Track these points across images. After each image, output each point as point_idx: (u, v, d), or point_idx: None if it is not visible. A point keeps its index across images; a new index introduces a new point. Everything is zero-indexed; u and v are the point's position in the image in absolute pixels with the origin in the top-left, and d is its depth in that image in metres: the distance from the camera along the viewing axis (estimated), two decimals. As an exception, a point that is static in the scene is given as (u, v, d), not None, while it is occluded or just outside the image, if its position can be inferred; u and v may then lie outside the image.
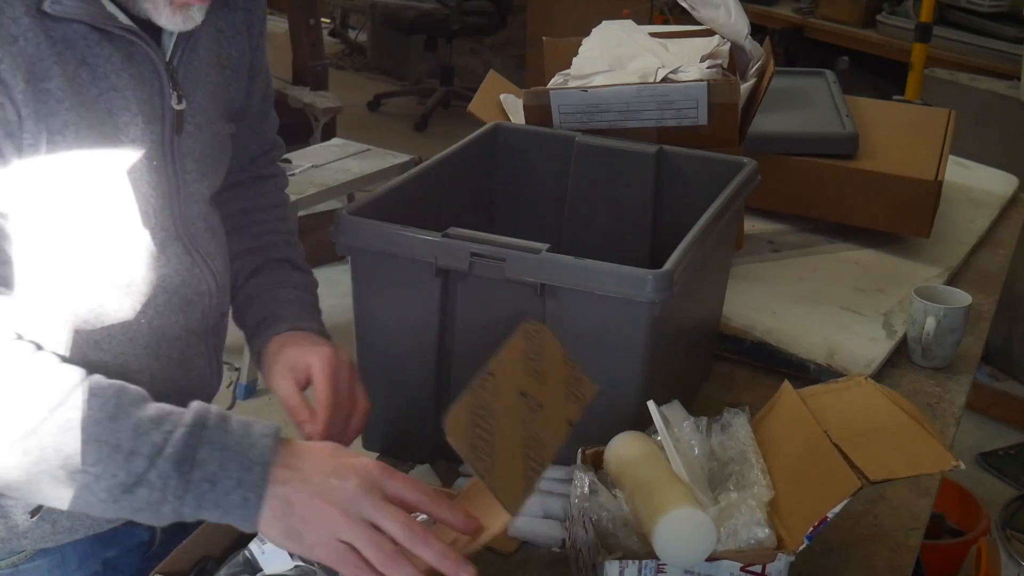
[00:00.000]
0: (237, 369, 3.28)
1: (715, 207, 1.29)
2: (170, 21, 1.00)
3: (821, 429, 1.09)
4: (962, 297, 1.60)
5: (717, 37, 1.73)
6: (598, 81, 1.64)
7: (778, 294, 1.71)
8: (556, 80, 1.72)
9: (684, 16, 2.42)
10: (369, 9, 6.27)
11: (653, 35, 1.81)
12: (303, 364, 1.13)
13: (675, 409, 1.16)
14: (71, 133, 0.95)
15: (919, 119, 2.16)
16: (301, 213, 3.30)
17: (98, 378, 0.93)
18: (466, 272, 1.17)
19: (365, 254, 1.23)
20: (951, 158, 2.00)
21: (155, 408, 0.92)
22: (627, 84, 1.59)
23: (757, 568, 1.03)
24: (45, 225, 0.97)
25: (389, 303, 1.22)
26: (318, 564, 0.98)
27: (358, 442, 1.35)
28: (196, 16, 1.01)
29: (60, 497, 0.90)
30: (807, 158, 1.89)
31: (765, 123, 1.84)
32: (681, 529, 0.99)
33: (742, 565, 1.03)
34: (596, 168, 1.51)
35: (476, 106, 1.80)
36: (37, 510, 1.06)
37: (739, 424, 1.15)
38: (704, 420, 1.15)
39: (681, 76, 1.61)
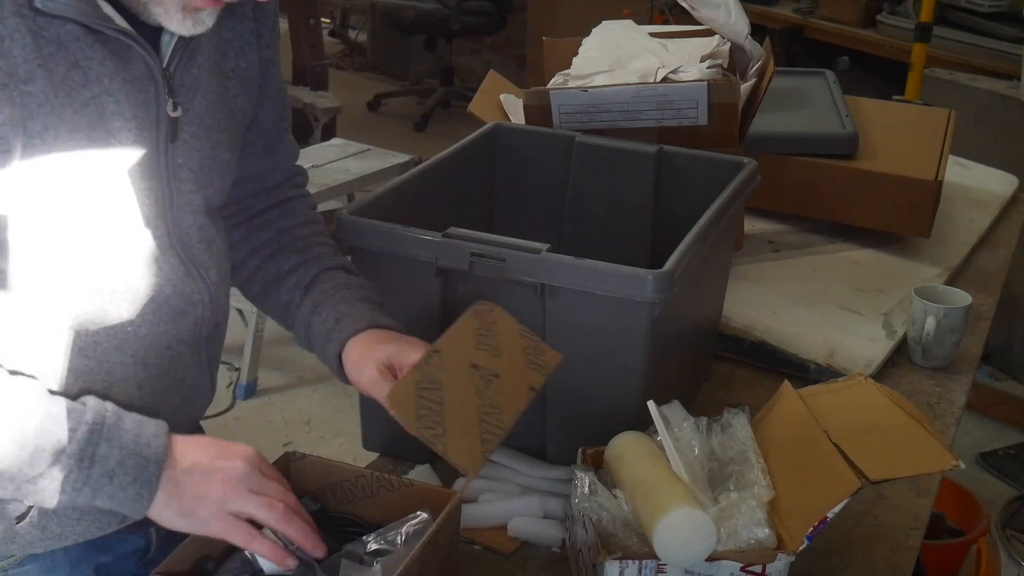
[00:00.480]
0: (237, 369, 3.27)
1: (715, 207, 1.29)
2: (181, 25, 0.99)
3: (821, 429, 1.09)
4: (962, 297, 1.60)
5: (717, 37, 1.73)
6: (598, 81, 1.64)
7: (778, 294, 1.71)
8: (556, 80, 1.72)
9: (684, 16, 2.42)
10: (369, 9, 6.27)
11: (653, 35, 1.81)
12: (401, 361, 1.10)
13: (675, 409, 1.16)
14: (52, 137, 0.93)
15: (919, 119, 2.16)
16: (301, 213, 3.30)
17: (3, 373, 0.99)
18: (466, 272, 1.17)
19: (365, 254, 1.23)
20: (951, 158, 2.00)
21: (57, 406, 0.98)
22: (627, 84, 1.59)
23: (757, 568, 1.03)
24: (27, 228, 0.96)
25: (389, 303, 1.22)
26: (319, 565, 0.99)
27: (357, 442, 1.35)
28: (207, 20, 1.00)
29: None
30: (807, 158, 1.89)
31: (765, 123, 1.84)
32: (681, 529, 0.99)
33: (742, 565, 1.03)
34: (596, 168, 1.51)
35: (476, 106, 1.80)
36: (23, 516, 1.05)
37: (739, 424, 1.15)
38: (704, 420, 1.15)
39: (681, 76, 1.61)
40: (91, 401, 1.00)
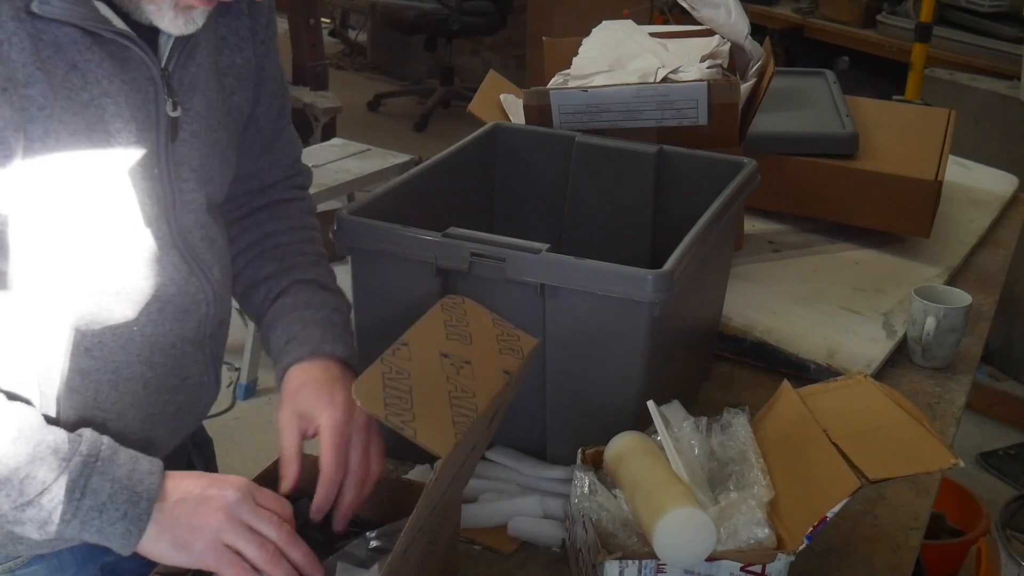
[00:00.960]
0: (237, 369, 3.28)
1: (715, 207, 1.29)
2: (172, 24, 0.98)
3: (821, 429, 1.09)
4: (962, 297, 1.60)
5: (717, 37, 1.73)
6: (598, 81, 1.64)
7: (778, 294, 1.71)
8: (556, 80, 1.72)
9: (684, 16, 2.42)
10: (369, 9, 6.27)
11: (653, 35, 1.81)
12: (314, 419, 1.10)
13: (675, 409, 1.16)
14: (52, 140, 0.93)
15: (919, 119, 2.16)
16: (301, 213, 3.31)
17: (2, 399, 0.98)
18: (466, 272, 1.17)
19: (365, 254, 1.22)
20: (951, 158, 2.00)
21: (52, 435, 0.97)
22: (627, 84, 1.59)
23: (757, 568, 1.03)
24: (30, 231, 0.96)
25: (389, 303, 1.22)
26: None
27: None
28: (198, 19, 1.00)
29: None
30: (807, 158, 1.89)
31: (765, 123, 1.84)
32: (681, 529, 0.99)
33: (742, 565, 1.03)
34: (596, 168, 1.51)
35: (476, 106, 1.80)
36: None
37: (739, 424, 1.15)
38: (704, 420, 1.15)
39: (681, 76, 1.61)
40: (87, 433, 0.99)
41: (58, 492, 0.95)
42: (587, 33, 1.85)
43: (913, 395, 1.49)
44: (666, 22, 4.27)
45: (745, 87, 1.66)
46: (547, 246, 1.15)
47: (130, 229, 1.02)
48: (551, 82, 1.72)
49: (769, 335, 1.57)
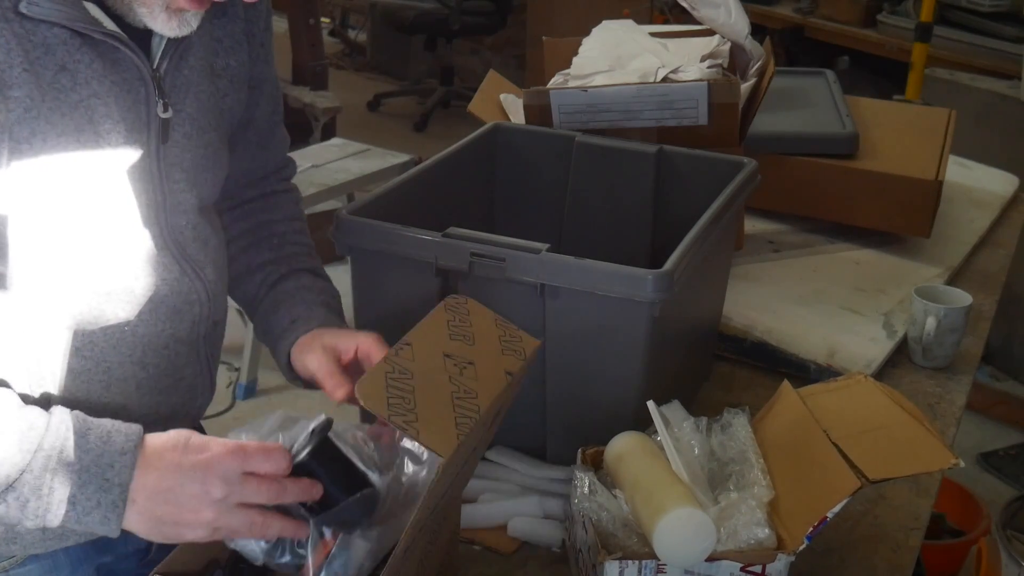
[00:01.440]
0: (237, 369, 3.27)
1: (715, 207, 1.29)
2: (165, 26, 0.98)
3: (821, 429, 1.09)
4: (962, 297, 1.60)
5: (717, 37, 1.73)
6: (598, 81, 1.64)
7: (778, 294, 1.71)
8: (556, 80, 1.72)
9: (684, 16, 2.42)
10: (369, 9, 6.27)
11: (653, 35, 1.81)
12: (345, 345, 1.12)
13: (675, 409, 1.16)
14: (40, 141, 0.93)
15: (919, 119, 2.16)
16: (301, 213, 3.30)
17: None
18: (466, 272, 1.17)
19: (365, 254, 1.22)
20: (951, 158, 2.00)
21: (16, 427, 0.93)
22: (627, 84, 1.59)
23: (757, 568, 1.03)
24: (20, 232, 0.96)
25: (389, 303, 1.22)
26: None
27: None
28: (191, 22, 0.99)
29: None
30: (807, 158, 1.89)
31: (765, 123, 1.83)
32: (681, 529, 0.99)
33: (742, 565, 1.03)
34: (596, 168, 1.51)
35: (476, 106, 1.80)
36: None
37: (739, 424, 1.15)
38: (704, 420, 1.15)
39: (681, 76, 1.61)
40: (55, 419, 0.94)
41: (23, 491, 0.92)
42: (587, 33, 1.85)
43: (913, 395, 1.49)
44: (666, 22, 4.27)
45: (745, 87, 1.66)
46: (547, 246, 1.15)
47: (121, 230, 1.02)
48: (551, 82, 1.72)
49: (769, 335, 1.57)
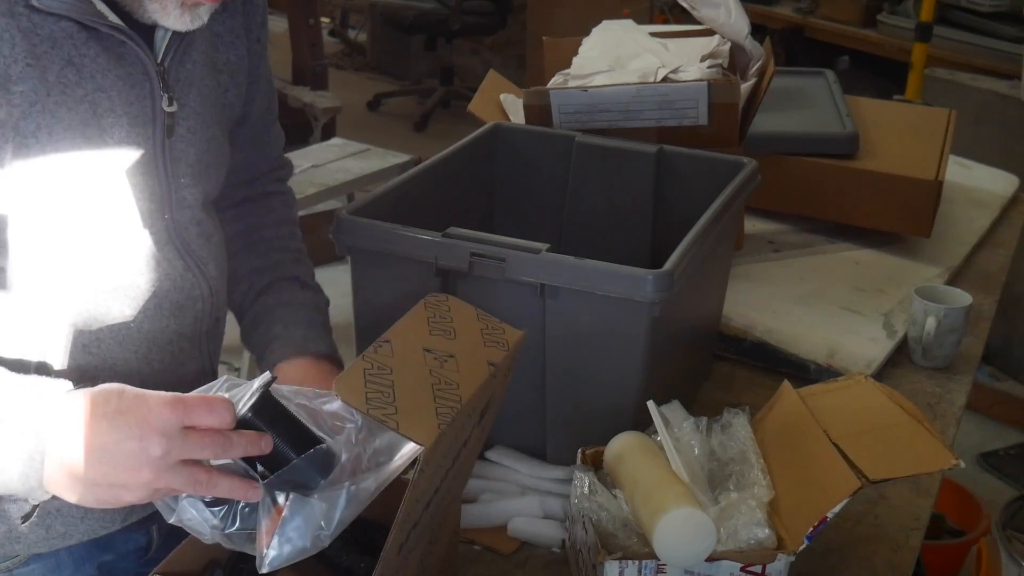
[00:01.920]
0: (237, 369, 3.27)
1: (715, 207, 1.29)
2: (178, 21, 0.99)
3: (821, 429, 1.09)
4: (962, 297, 1.60)
5: (717, 37, 1.72)
6: (598, 81, 1.64)
7: (778, 294, 1.71)
8: (556, 80, 1.72)
9: (684, 16, 2.42)
10: (369, 9, 6.27)
11: (653, 35, 1.81)
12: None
13: (675, 409, 1.16)
14: (44, 136, 0.93)
15: (919, 119, 2.16)
16: (301, 213, 3.28)
17: None
18: (466, 272, 1.17)
19: (365, 254, 1.22)
20: (951, 158, 2.00)
21: None
22: (627, 84, 1.59)
23: (757, 568, 1.03)
24: (25, 227, 0.96)
25: (389, 303, 1.22)
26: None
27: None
28: (203, 15, 1.00)
29: None
30: (807, 158, 1.88)
31: (765, 123, 1.83)
32: (681, 529, 0.99)
33: (742, 565, 1.03)
34: (596, 168, 1.51)
35: (476, 106, 1.80)
36: (28, 516, 1.05)
37: (739, 424, 1.15)
38: (704, 420, 1.15)
39: (681, 76, 1.61)
40: None
41: None
42: (587, 33, 1.85)
43: (913, 395, 1.49)
44: (666, 22, 4.27)
45: (745, 87, 1.65)
46: (547, 246, 1.15)
47: (126, 225, 1.02)
48: (551, 82, 1.72)
49: (769, 335, 1.57)
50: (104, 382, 1.02)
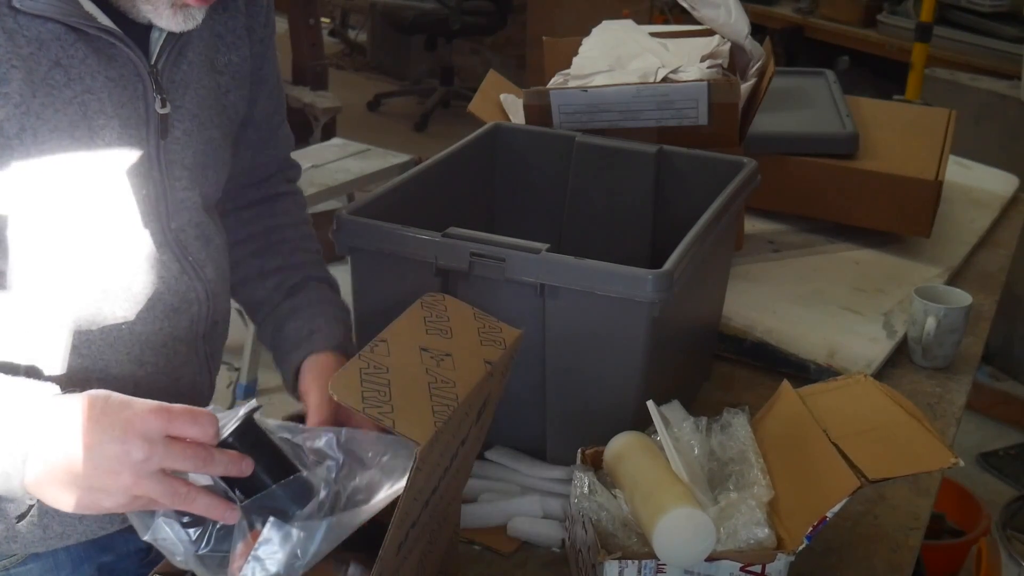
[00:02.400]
0: (237, 369, 3.27)
1: (715, 207, 1.29)
2: (171, 21, 0.98)
3: (820, 428, 1.09)
4: (962, 297, 1.60)
5: (717, 37, 1.73)
6: (598, 81, 1.64)
7: (778, 294, 1.71)
8: (556, 80, 1.72)
9: (684, 16, 2.42)
10: (369, 9, 6.26)
11: (653, 35, 1.81)
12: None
13: (675, 409, 1.16)
14: (30, 137, 0.92)
15: (919, 119, 2.16)
16: (301, 213, 3.31)
17: None
18: (466, 272, 1.17)
19: (365, 254, 1.22)
20: (951, 158, 2.00)
21: None
22: (627, 84, 1.59)
23: (757, 568, 1.03)
24: (15, 229, 0.96)
25: (389, 303, 1.22)
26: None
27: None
28: (196, 16, 0.99)
29: None
30: (807, 158, 1.89)
31: (765, 123, 1.83)
32: (681, 529, 0.99)
33: (742, 565, 1.03)
34: (596, 168, 1.51)
35: (476, 106, 1.80)
36: (23, 516, 1.05)
37: (739, 424, 1.15)
38: (704, 420, 1.15)
39: (681, 76, 1.61)
40: None
41: None
42: (587, 33, 1.85)
43: (913, 395, 1.49)
44: (666, 22, 4.27)
45: (745, 87, 1.65)
46: (547, 246, 1.15)
47: (118, 227, 1.02)
48: (551, 82, 1.72)
49: (769, 335, 1.57)
50: (96, 384, 1.01)
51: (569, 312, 1.15)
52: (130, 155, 1.01)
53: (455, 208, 1.45)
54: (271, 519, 0.88)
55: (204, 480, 0.90)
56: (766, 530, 1.03)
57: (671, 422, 1.14)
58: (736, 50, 1.72)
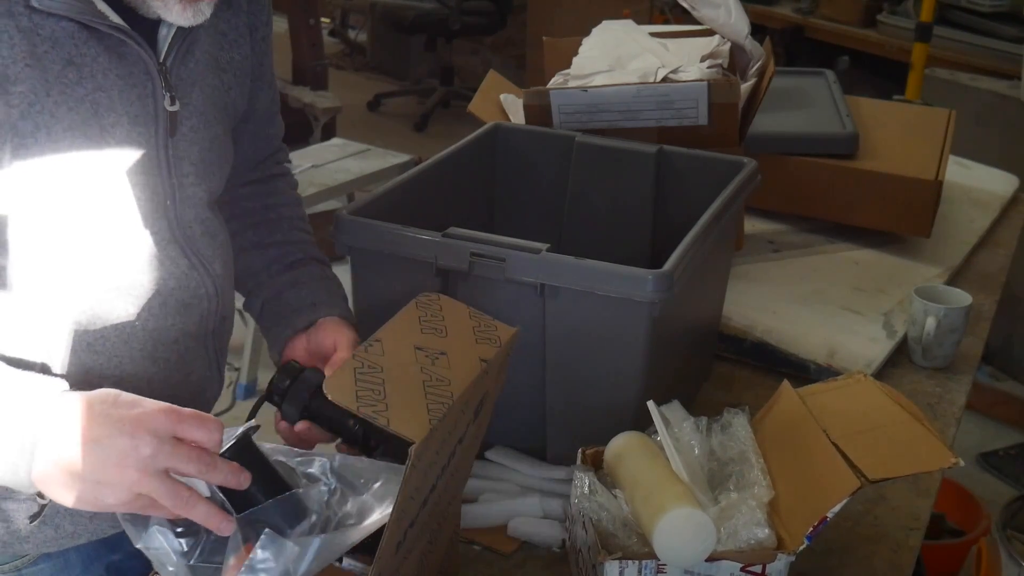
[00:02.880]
0: (237, 369, 3.27)
1: (715, 207, 1.29)
2: (180, 16, 0.99)
3: (820, 428, 1.09)
4: (962, 297, 1.60)
5: (717, 37, 1.73)
6: (598, 81, 1.64)
7: (778, 294, 1.71)
8: (556, 80, 1.72)
9: (684, 16, 2.42)
10: (369, 9, 6.26)
11: (653, 35, 1.81)
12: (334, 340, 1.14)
13: (675, 409, 1.16)
14: (44, 136, 0.93)
15: (919, 119, 2.16)
16: (301, 213, 3.31)
17: None
18: (466, 272, 1.17)
19: (365, 254, 1.22)
20: (951, 158, 2.00)
21: None
22: (627, 84, 1.59)
23: (757, 568, 1.03)
24: (28, 227, 0.96)
25: (389, 303, 1.22)
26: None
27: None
28: (205, 11, 1.00)
29: None
30: (807, 158, 1.89)
31: (765, 123, 1.83)
32: (681, 529, 0.99)
33: (742, 565, 1.03)
34: (596, 168, 1.51)
35: (476, 106, 1.80)
36: (36, 515, 1.05)
37: (739, 424, 1.15)
38: (704, 420, 1.15)
39: (681, 76, 1.61)
40: None
41: None
42: (587, 33, 1.85)
43: (913, 395, 1.49)
44: (666, 22, 4.27)
45: (745, 87, 1.65)
46: (547, 246, 1.15)
47: (129, 223, 1.03)
48: (551, 82, 1.72)
49: (769, 335, 1.57)
50: (110, 384, 1.02)
51: (569, 312, 1.15)
52: (139, 152, 1.02)
53: (455, 208, 1.45)
54: (266, 531, 0.88)
55: (202, 491, 0.91)
56: (766, 530, 1.03)
57: (671, 422, 1.14)
58: (736, 50, 1.72)
